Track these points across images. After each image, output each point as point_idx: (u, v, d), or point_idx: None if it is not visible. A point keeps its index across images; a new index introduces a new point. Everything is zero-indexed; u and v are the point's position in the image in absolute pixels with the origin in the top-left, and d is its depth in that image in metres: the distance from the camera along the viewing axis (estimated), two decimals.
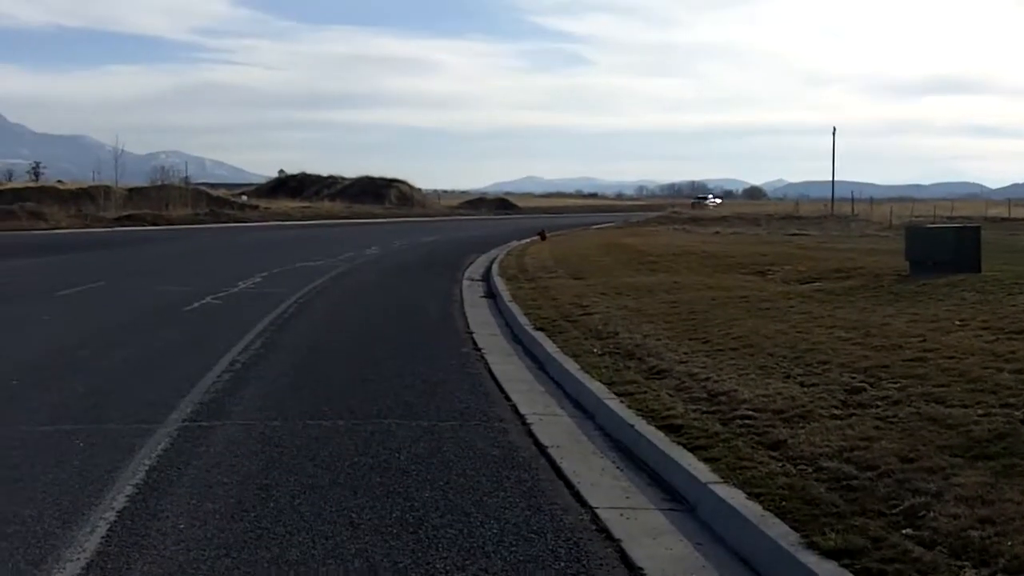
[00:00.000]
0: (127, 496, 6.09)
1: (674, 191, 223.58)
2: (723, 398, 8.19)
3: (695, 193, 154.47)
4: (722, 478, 6.07)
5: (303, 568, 4.95)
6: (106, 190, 73.64)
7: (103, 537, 5.39)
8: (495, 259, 28.10)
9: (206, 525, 5.57)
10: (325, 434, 7.65)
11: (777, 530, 5.18)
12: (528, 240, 39.82)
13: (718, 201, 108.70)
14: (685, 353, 10.48)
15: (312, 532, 5.45)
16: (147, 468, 6.71)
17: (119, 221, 61.42)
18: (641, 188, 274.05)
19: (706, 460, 6.44)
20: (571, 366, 10.18)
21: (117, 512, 5.80)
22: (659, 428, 7.36)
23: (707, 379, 8.99)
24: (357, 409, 8.54)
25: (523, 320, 13.94)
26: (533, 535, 5.45)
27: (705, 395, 8.38)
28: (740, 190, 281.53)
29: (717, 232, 45.20)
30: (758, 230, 46.47)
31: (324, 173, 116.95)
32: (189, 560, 5.06)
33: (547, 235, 41.22)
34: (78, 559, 5.08)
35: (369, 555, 5.12)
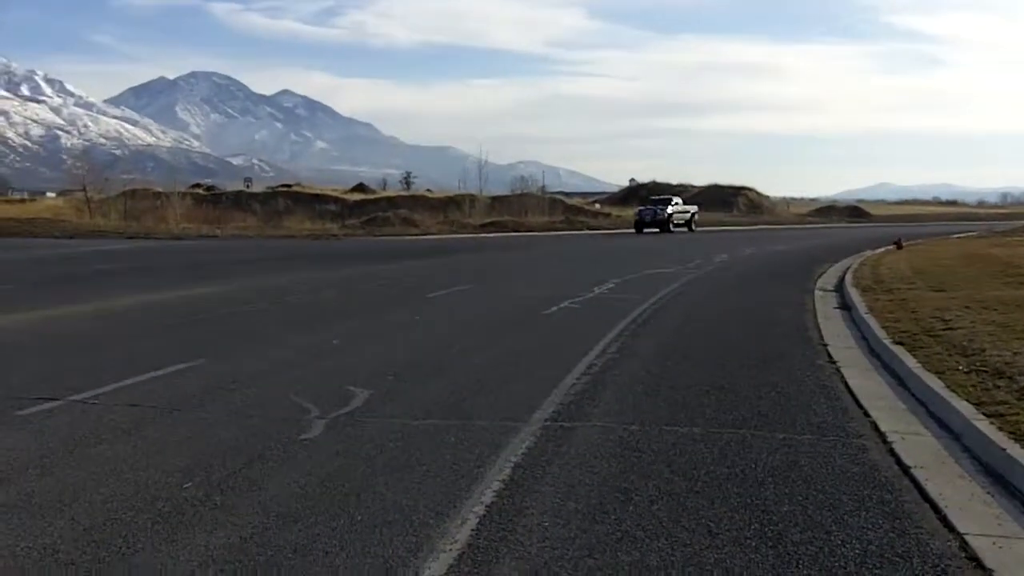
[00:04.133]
0: (494, 491, 6.40)
1: None
2: None
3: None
4: None
5: (663, 574, 5.04)
6: (471, 198, 78.27)
7: (473, 530, 5.67)
8: (848, 268, 27.12)
9: (569, 524, 5.77)
10: (681, 441, 7.73)
11: None
12: (883, 249, 38.13)
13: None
14: None
15: (671, 538, 5.53)
16: (512, 465, 7.03)
17: (483, 227, 64.94)
18: (1005, 195, 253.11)
19: None
20: (934, 383, 9.67)
21: (485, 506, 6.10)
22: None
23: None
24: (712, 417, 8.57)
25: (880, 333, 13.39)
26: (898, 558, 5.27)
27: None
28: None
29: None
30: None
31: (673, 181, 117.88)
32: (554, 558, 5.25)
33: (903, 244, 39.31)
34: (450, 550, 5.36)
35: (728, 566, 5.13)
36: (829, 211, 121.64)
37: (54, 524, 5.72)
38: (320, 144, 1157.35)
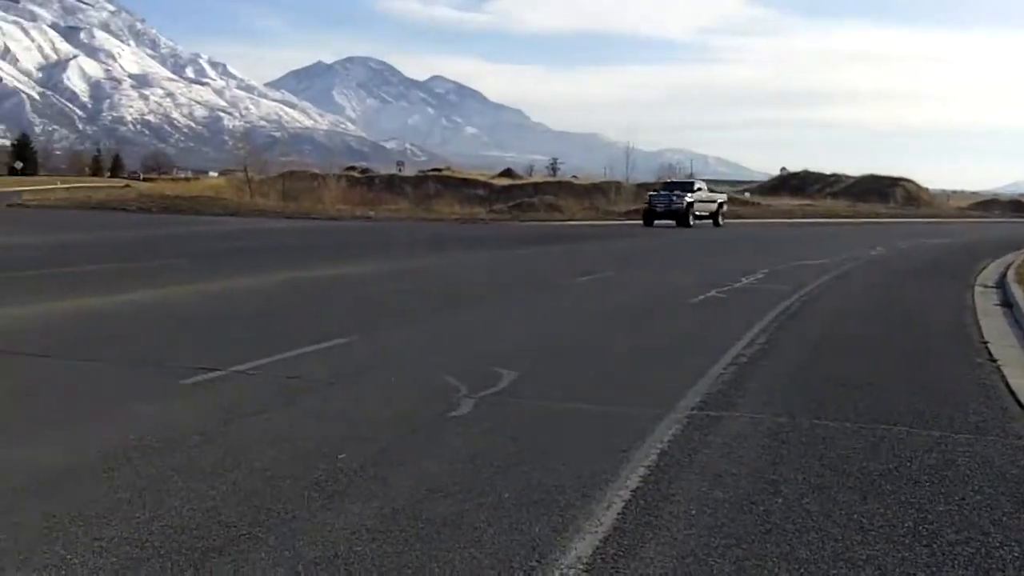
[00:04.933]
0: (640, 476, 6.38)
1: None
2: None
3: None
4: None
5: (812, 567, 4.96)
6: (616, 185, 78.27)
7: (619, 513, 5.67)
8: (1011, 264, 26.03)
9: (716, 513, 5.73)
10: (831, 435, 7.58)
11: None
12: None
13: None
14: None
15: (820, 532, 5.43)
16: (658, 451, 6.99)
17: (628, 214, 64.58)
18: None
19: None
20: None
21: (631, 491, 6.08)
22: None
23: None
24: (864, 412, 8.36)
25: None
26: None
27: None
28: None
29: None
30: None
31: (827, 171, 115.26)
32: (700, 545, 5.22)
33: None
34: (595, 532, 5.37)
35: (880, 563, 5.02)
36: (991, 205, 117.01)
37: (216, 488, 5.97)
38: (470, 129, 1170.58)
